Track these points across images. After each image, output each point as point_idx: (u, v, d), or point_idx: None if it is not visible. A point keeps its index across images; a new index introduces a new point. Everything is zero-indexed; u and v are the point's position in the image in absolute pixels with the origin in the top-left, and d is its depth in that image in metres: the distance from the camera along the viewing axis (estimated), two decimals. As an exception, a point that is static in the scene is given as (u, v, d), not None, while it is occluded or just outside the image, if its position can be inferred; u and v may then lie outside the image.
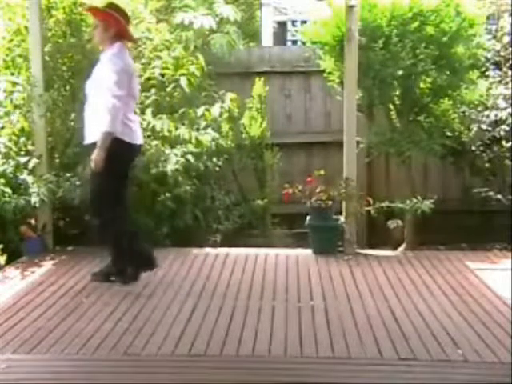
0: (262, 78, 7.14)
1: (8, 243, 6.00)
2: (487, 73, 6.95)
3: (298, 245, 6.55)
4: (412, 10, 6.29)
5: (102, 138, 4.81)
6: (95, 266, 5.66)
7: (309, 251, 6.21)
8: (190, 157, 6.36)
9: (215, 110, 6.78)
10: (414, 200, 6.35)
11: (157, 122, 6.44)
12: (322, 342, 4.02)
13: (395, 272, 5.56)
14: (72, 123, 6.49)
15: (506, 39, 7.03)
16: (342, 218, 6.26)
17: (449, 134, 6.77)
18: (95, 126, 4.90)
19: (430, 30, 6.31)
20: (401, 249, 6.57)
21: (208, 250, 6.30)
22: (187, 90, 6.75)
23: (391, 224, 6.70)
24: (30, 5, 6.20)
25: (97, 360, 3.84)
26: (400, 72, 6.35)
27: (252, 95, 7.07)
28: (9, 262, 5.90)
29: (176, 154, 6.29)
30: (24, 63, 6.42)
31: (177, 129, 6.52)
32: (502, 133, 6.75)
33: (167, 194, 6.29)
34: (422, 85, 6.53)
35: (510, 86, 6.86)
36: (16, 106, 6.27)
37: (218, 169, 6.71)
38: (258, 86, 7.08)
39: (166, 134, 6.45)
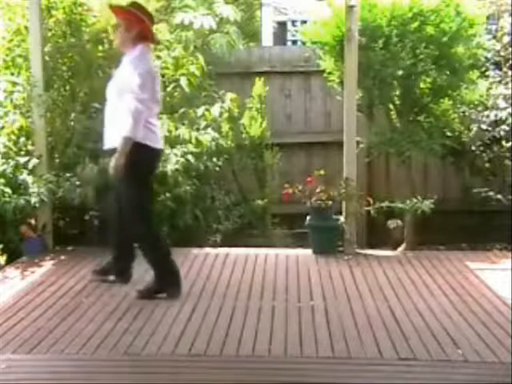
0: (262, 78, 7.14)
1: (8, 243, 6.00)
2: (487, 73, 6.95)
3: (298, 245, 6.56)
4: (412, 9, 6.29)
5: (122, 143, 4.62)
6: (95, 266, 5.67)
7: (309, 251, 6.21)
8: (190, 157, 6.36)
9: (215, 109, 6.78)
10: (414, 200, 6.34)
11: (157, 122, 6.43)
12: (321, 342, 4.02)
13: (395, 272, 5.56)
14: (72, 123, 6.49)
15: (506, 39, 7.03)
16: (342, 218, 6.26)
17: (449, 134, 6.76)
18: (116, 131, 4.72)
19: (430, 29, 6.31)
20: (401, 249, 6.57)
21: (208, 249, 6.30)
22: (187, 89, 6.76)
23: (391, 224, 6.70)
24: (29, 5, 6.20)
25: (97, 360, 3.84)
26: (400, 72, 6.35)
27: (252, 95, 7.07)
28: (9, 262, 5.90)
29: (176, 154, 6.29)
30: (24, 63, 6.42)
31: (177, 129, 6.52)
32: (502, 133, 6.75)
33: (167, 194, 6.28)
34: (422, 85, 6.53)
35: (509, 85, 6.86)
36: (16, 106, 6.28)
37: (218, 169, 6.71)
38: (258, 86, 7.08)
39: (166, 133, 6.44)
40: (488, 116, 6.80)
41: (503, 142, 6.80)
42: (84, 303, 4.78)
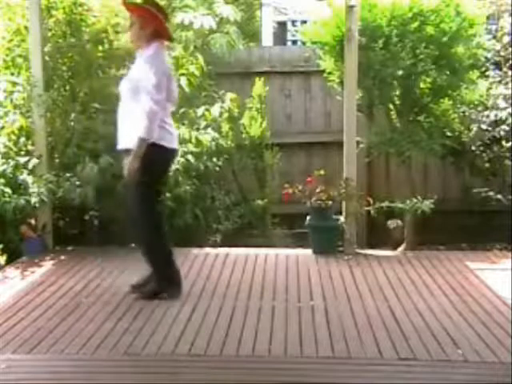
0: (262, 78, 7.14)
1: (8, 243, 6.00)
2: (487, 73, 6.95)
3: (298, 245, 6.56)
4: (412, 9, 6.29)
5: (137, 144, 4.53)
6: (96, 266, 5.68)
7: (309, 251, 6.21)
8: (190, 157, 6.36)
9: (215, 109, 6.78)
10: (414, 200, 6.34)
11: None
12: (321, 342, 4.02)
13: (395, 272, 5.56)
14: (72, 123, 6.49)
15: (506, 39, 7.03)
16: (342, 218, 6.26)
17: (449, 134, 6.76)
18: (130, 131, 4.61)
19: (430, 29, 6.31)
20: (401, 249, 6.57)
21: (208, 249, 6.30)
22: (187, 89, 6.75)
23: (391, 224, 6.70)
24: (29, 5, 6.20)
25: (97, 360, 3.84)
26: (400, 72, 6.35)
27: (252, 95, 7.07)
28: (9, 261, 5.91)
29: (176, 154, 6.29)
30: (24, 63, 6.42)
31: (177, 129, 6.51)
32: (502, 133, 6.75)
33: (167, 194, 6.28)
34: (422, 85, 6.53)
35: (509, 85, 6.86)
36: (16, 106, 6.28)
37: (218, 169, 6.71)
38: (258, 86, 7.08)
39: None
40: (488, 116, 6.80)
41: (503, 142, 6.80)
42: (84, 303, 4.78)
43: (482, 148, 6.88)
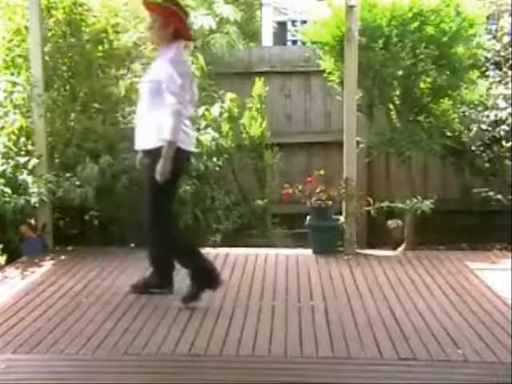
0: (262, 78, 7.13)
1: (8, 243, 6.00)
2: (487, 73, 6.95)
3: (298, 245, 6.55)
4: (412, 9, 6.29)
5: (167, 147, 4.39)
6: (96, 266, 5.68)
7: (309, 251, 6.21)
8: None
9: (215, 109, 6.77)
10: (414, 200, 6.34)
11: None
12: (321, 342, 4.02)
13: (395, 272, 5.56)
14: (72, 123, 6.49)
15: (506, 39, 7.03)
16: (342, 218, 6.26)
17: (449, 134, 6.76)
18: (149, 132, 4.53)
19: (430, 29, 6.31)
20: (401, 249, 6.57)
21: (208, 249, 6.28)
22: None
23: (391, 224, 6.70)
24: (29, 5, 6.20)
25: (97, 360, 3.84)
26: (400, 72, 6.35)
27: (252, 95, 7.07)
28: (9, 261, 5.90)
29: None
30: (24, 63, 6.42)
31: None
32: (502, 133, 6.75)
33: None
34: (422, 85, 6.53)
35: (510, 85, 6.86)
36: (16, 106, 6.28)
37: (218, 169, 6.71)
38: (258, 86, 7.07)
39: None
40: (488, 116, 6.80)
41: (503, 142, 6.80)
42: (84, 303, 4.77)
43: (481, 148, 6.88)
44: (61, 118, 6.49)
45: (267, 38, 13.66)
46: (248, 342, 4.03)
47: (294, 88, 7.79)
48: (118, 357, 3.86)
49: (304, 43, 7.54)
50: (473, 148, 6.89)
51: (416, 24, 6.27)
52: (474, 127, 6.81)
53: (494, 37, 7.08)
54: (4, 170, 5.94)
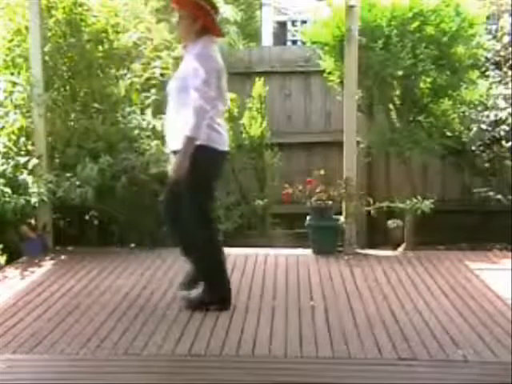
0: (262, 78, 7.14)
1: (8, 243, 6.00)
2: (487, 73, 6.95)
3: (298, 245, 6.55)
4: (412, 9, 6.29)
5: (185, 143, 4.25)
6: (96, 266, 5.68)
7: (309, 251, 6.21)
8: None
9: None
10: (414, 200, 6.34)
11: (157, 122, 6.44)
12: (321, 342, 4.02)
13: (395, 272, 5.56)
14: (72, 123, 6.49)
15: (506, 39, 7.03)
16: (342, 218, 6.26)
17: (449, 134, 6.76)
18: (178, 131, 4.35)
19: (430, 29, 6.31)
20: (401, 249, 6.57)
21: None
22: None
23: (391, 224, 6.70)
24: (29, 5, 6.20)
25: (97, 360, 3.83)
26: (400, 72, 6.35)
27: (252, 95, 7.07)
28: (9, 261, 5.90)
29: (176, 154, 6.28)
30: (24, 63, 6.42)
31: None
32: (502, 133, 6.75)
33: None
34: (422, 85, 6.53)
35: (510, 85, 6.86)
36: (16, 106, 6.28)
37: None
38: (258, 86, 7.08)
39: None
40: (488, 116, 6.80)
41: (503, 142, 6.80)
42: (84, 303, 4.77)
43: (481, 148, 6.88)
44: (61, 118, 6.49)
45: (267, 38, 13.67)
46: (248, 342, 4.03)
47: (294, 88, 7.79)
48: (118, 357, 3.86)
49: (304, 43, 7.53)
50: (473, 148, 6.89)
51: (416, 24, 6.27)
52: (474, 127, 6.81)
53: (494, 37, 7.08)
54: (4, 170, 5.94)
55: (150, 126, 6.43)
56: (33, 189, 5.87)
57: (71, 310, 4.63)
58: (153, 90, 6.74)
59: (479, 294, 4.93)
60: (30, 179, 5.94)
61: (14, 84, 6.28)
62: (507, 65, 6.99)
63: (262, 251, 6.23)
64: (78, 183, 6.00)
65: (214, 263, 4.59)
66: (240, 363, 3.81)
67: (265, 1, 13.71)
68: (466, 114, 6.80)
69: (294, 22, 15.07)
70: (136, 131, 6.43)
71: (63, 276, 5.45)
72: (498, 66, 7.05)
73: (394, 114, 6.72)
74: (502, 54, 7.03)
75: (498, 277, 5.37)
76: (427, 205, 6.26)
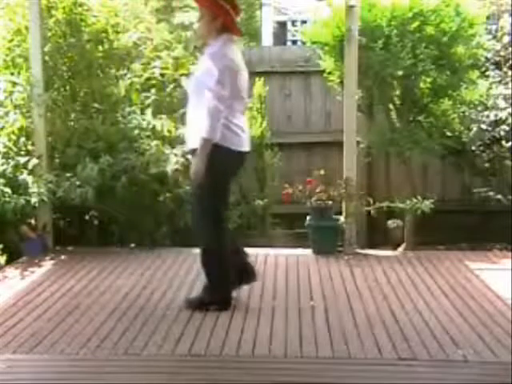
0: (262, 78, 7.14)
1: (8, 243, 6.00)
2: (487, 73, 6.95)
3: (298, 245, 6.55)
4: (412, 9, 6.29)
5: (201, 145, 4.27)
6: (96, 266, 5.68)
7: (309, 251, 6.21)
8: (190, 157, 6.35)
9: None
10: (414, 200, 6.34)
11: (157, 122, 6.44)
12: (321, 342, 4.02)
13: (395, 272, 5.56)
14: (72, 123, 6.49)
15: (506, 39, 7.03)
16: (342, 218, 6.26)
17: (449, 134, 6.76)
18: (195, 131, 4.38)
19: (430, 30, 6.31)
20: (401, 249, 6.57)
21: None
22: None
23: (391, 224, 6.70)
24: (29, 5, 6.20)
25: (97, 360, 3.83)
26: (400, 72, 6.35)
27: (252, 95, 7.07)
28: (9, 261, 5.90)
29: (176, 154, 6.29)
30: (24, 63, 6.42)
31: (177, 129, 6.52)
32: (502, 133, 6.75)
33: (167, 194, 6.28)
34: (422, 85, 6.53)
35: (510, 85, 6.86)
36: (16, 106, 6.28)
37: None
38: (258, 86, 7.08)
39: (166, 133, 6.44)
40: (488, 116, 6.80)
41: (503, 142, 6.79)
42: (84, 303, 4.77)
43: (481, 148, 6.88)
44: (61, 118, 6.49)
45: (267, 38, 13.68)
46: (248, 342, 4.03)
47: (294, 88, 7.78)
48: (118, 357, 3.86)
49: (304, 43, 7.53)
50: (473, 148, 6.89)
51: (416, 24, 6.27)
52: (474, 127, 6.80)
53: (494, 37, 7.08)
54: (4, 170, 5.95)
55: (150, 126, 6.42)
56: (33, 189, 5.87)
57: (71, 310, 4.64)
58: (153, 90, 6.74)
59: (479, 294, 4.93)
60: (29, 179, 5.94)
61: (14, 84, 6.29)
62: (507, 65, 6.99)
63: (262, 251, 6.22)
64: (78, 183, 6.00)
65: (219, 263, 4.58)
66: (240, 363, 3.81)
67: (265, 1, 13.72)
68: (466, 114, 6.80)
69: (294, 22, 15.08)
70: (136, 131, 6.43)
71: (63, 276, 5.45)
72: (498, 65, 7.05)
73: (394, 114, 6.72)
74: (502, 54, 7.03)
75: (498, 277, 5.37)
76: (427, 205, 6.26)
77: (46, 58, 6.39)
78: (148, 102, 6.66)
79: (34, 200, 5.83)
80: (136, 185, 6.24)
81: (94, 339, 4.07)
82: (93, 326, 4.29)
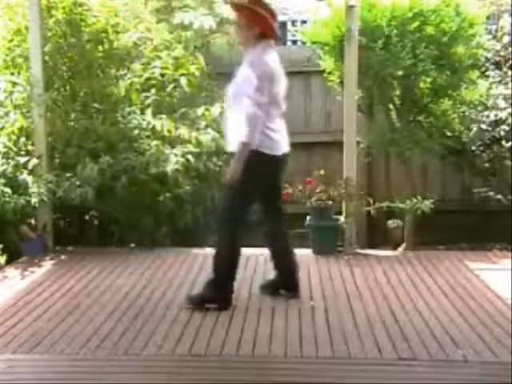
0: (262, 78, 7.12)
1: (8, 243, 6.00)
2: (487, 73, 6.95)
3: (298, 245, 6.53)
4: (412, 9, 6.29)
5: (239, 149, 4.41)
6: (96, 266, 5.68)
7: (309, 251, 6.21)
8: (190, 157, 6.36)
9: (215, 109, 6.77)
10: (414, 200, 6.34)
11: (157, 122, 6.44)
12: (321, 342, 4.02)
13: (395, 272, 5.56)
14: (72, 123, 6.49)
15: (506, 39, 7.03)
16: (342, 218, 6.26)
17: (449, 134, 6.76)
18: (235, 134, 4.50)
19: (430, 30, 6.31)
20: (401, 249, 6.57)
21: (208, 249, 6.28)
22: (187, 89, 6.75)
23: (391, 224, 6.70)
24: (30, 5, 6.20)
25: (97, 360, 3.84)
26: (400, 72, 6.35)
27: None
28: (9, 261, 5.91)
29: (176, 154, 6.29)
30: (24, 63, 6.42)
31: (177, 129, 6.52)
32: (502, 133, 6.75)
33: (167, 194, 6.28)
34: (422, 85, 6.53)
35: (510, 85, 6.86)
36: (16, 106, 6.28)
37: (217, 169, 6.71)
38: (258, 86, 7.06)
39: (166, 134, 6.44)
40: (488, 116, 6.80)
41: (503, 142, 6.79)
42: (84, 303, 4.77)
43: (481, 148, 6.88)
44: (61, 118, 6.49)
45: (267, 38, 13.61)
46: (248, 341, 4.03)
47: (294, 88, 7.75)
48: (118, 357, 3.86)
49: (304, 43, 7.53)
50: (473, 148, 6.88)
51: (416, 24, 6.27)
52: (474, 127, 6.80)
53: (494, 37, 7.08)
54: (4, 170, 5.95)
55: (150, 126, 6.42)
56: (33, 189, 5.87)
57: (71, 309, 4.64)
58: (153, 90, 6.74)
59: (479, 294, 4.93)
60: (29, 179, 5.94)
61: (14, 84, 6.29)
62: (507, 65, 6.99)
63: (261, 251, 6.21)
64: (78, 183, 6.00)
65: (226, 262, 4.69)
66: (240, 363, 3.81)
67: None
68: (466, 114, 6.80)
69: (294, 22, 15.05)
70: (136, 131, 6.43)
71: (63, 276, 5.45)
72: (498, 65, 7.05)
73: (394, 114, 6.72)
74: (502, 54, 7.03)
75: (498, 277, 5.38)
76: (427, 205, 6.26)
77: (46, 58, 6.39)
78: (148, 102, 6.66)
79: (34, 200, 5.84)
80: (136, 185, 6.24)
81: (93, 339, 4.07)
82: (93, 326, 4.29)
